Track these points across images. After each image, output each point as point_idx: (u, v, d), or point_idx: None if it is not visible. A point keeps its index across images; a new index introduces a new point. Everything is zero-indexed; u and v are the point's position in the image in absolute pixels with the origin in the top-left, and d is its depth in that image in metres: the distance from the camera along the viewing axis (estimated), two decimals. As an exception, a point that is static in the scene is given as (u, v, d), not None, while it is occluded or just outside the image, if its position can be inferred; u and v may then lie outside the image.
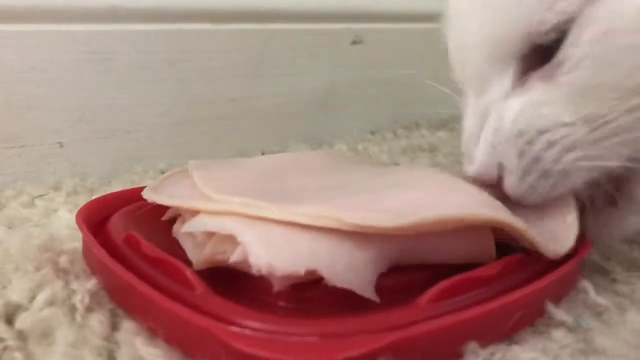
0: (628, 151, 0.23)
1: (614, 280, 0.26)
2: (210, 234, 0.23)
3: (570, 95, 0.23)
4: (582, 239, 0.25)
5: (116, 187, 0.38)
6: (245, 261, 0.21)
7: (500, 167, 0.25)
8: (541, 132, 0.23)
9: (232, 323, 0.19)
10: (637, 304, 0.24)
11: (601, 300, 0.24)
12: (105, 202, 0.29)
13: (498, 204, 0.24)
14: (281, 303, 0.22)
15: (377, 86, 0.55)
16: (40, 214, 0.33)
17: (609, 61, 0.22)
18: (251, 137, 0.47)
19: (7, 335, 0.21)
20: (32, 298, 0.23)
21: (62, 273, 0.25)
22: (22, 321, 0.21)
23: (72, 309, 0.22)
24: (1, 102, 0.37)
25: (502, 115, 0.24)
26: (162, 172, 0.41)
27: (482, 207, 0.23)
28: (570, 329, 0.23)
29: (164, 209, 0.28)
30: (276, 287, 0.21)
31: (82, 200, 0.35)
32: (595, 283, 0.25)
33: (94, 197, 0.35)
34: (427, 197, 0.24)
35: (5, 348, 0.20)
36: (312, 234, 0.22)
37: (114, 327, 0.22)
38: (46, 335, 0.21)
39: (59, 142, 0.39)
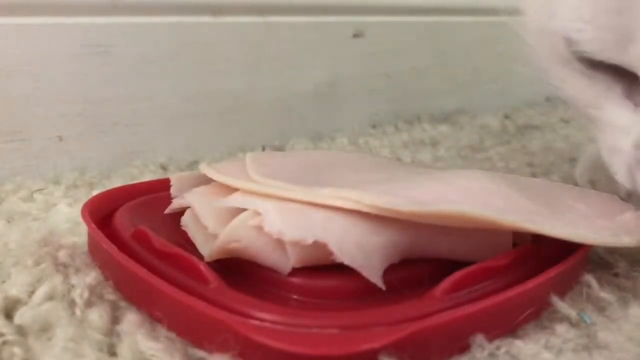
0: None
1: (616, 275, 0.26)
2: (224, 223, 0.23)
3: None
4: None
5: (116, 181, 0.38)
6: (260, 239, 0.22)
7: None
8: None
9: (250, 316, 0.19)
10: (640, 298, 0.24)
11: (604, 294, 0.24)
12: (110, 197, 0.29)
13: (539, 210, 0.24)
14: (294, 296, 0.22)
15: (378, 80, 0.55)
16: (39, 208, 0.33)
17: None
18: (252, 130, 0.47)
19: (6, 330, 0.21)
20: (32, 292, 0.23)
21: (62, 267, 0.25)
22: (22, 316, 0.21)
23: (72, 304, 0.22)
24: (0, 96, 0.36)
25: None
26: (162, 166, 0.41)
27: (515, 213, 0.23)
28: (573, 324, 0.22)
29: (169, 203, 0.28)
30: (291, 263, 0.22)
31: (82, 194, 0.35)
32: (598, 277, 0.25)
33: (93, 191, 0.35)
34: (455, 193, 0.24)
35: (5, 343, 0.20)
36: (328, 212, 0.22)
37: (115, 321, 0.22)
38: (46, 330, 0.21)
39: (58, 136, 0.39)
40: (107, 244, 0.24)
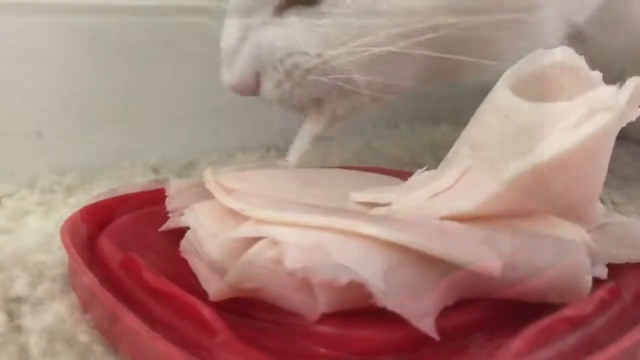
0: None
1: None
2: (232, 254, 0.20)
3: (314, 34, 0.29)
4: None
5: (99, 185, 0.36)
6: (279, 279, 0.19)
7: (257, 76, 0.31)
8: (289, 55, 0.30)
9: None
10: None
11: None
12: (96, 212, 0.26)
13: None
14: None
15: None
16: (8, 217, 0.31)
17: None
18: (254, 130, 0.46)
19: (6, 329, 0.21)
20: (31, 292, 0.23)
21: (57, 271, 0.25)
22: (21, 315, 0.22)
23: (71, 303, 0.23)
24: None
25: (262, 38, 0.30)
26: (154, 169, 0.39)
27: None
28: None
29: (164, 220, 0.25)
30: (320, 309, 0.19)
31: (58, 199, 0.33)
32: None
33: (71, 198, 0.33)
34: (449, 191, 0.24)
35: (4, 342, 0.21)
36: (364, 243, 0.20)
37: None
38: (45, 329, 0.21)
39: (36, 131, 0.37)
40: (87, 276, 0.21)
